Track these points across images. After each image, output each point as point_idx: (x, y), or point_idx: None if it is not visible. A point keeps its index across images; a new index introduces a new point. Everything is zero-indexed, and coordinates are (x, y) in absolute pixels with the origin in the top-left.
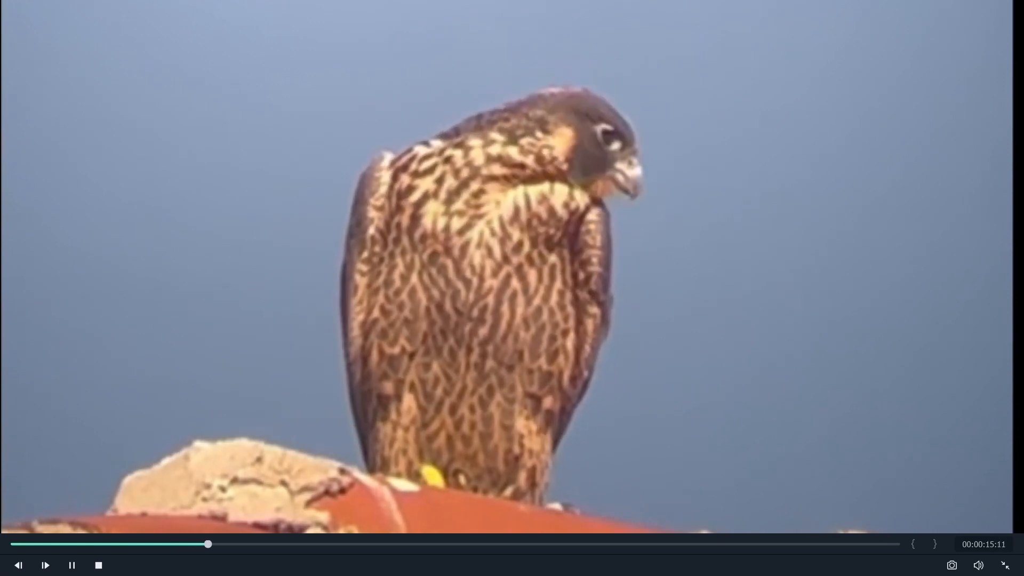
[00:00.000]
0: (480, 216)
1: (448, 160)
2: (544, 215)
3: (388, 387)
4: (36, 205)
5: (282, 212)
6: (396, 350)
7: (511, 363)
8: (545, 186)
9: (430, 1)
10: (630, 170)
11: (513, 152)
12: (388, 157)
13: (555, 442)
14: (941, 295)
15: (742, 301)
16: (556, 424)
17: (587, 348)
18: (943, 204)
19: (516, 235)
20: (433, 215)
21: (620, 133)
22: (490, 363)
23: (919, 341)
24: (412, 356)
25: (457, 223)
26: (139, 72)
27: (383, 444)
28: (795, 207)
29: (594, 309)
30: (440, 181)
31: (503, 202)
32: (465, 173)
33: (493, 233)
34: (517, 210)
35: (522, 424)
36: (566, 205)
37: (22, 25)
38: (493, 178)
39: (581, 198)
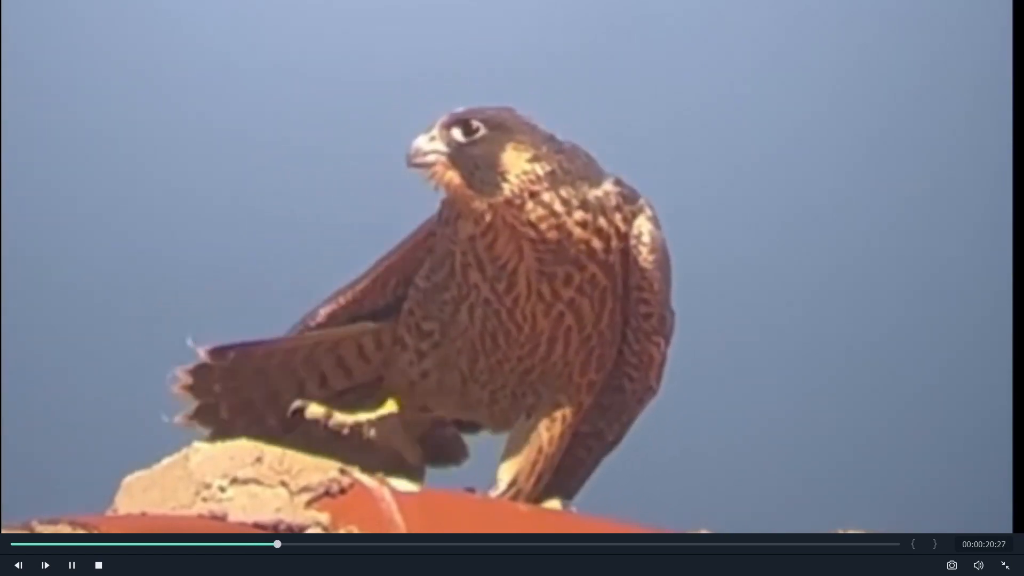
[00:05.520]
0: (513, 272)
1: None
2: (545, 231)
3: (425, 346)
4: (36, 206)
5: (283, 213)
6: (428, 327)
7: (556, 384)
8: (518, 211)
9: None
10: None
11: (467, 226)
12: None
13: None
14: (941, 297)
15: (742, 303)
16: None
17: (654, 371)
18: (942, 216)
19: (559, 271)
20: (479, 280)
21: None
22: (535, 376)
23: (919, 342)
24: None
25: (500, 286)
26: (139, 75)
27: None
28: (794, 217)
29: (658, 339)
30: (467, 258)
31: (516, 250)
32: (471, 255)
33: (538, 278)
34: (532, 252)
35: (545, 426)
36: (565, 207)
37: (21, 35)
38: (489, 245)
39: (546, 199)
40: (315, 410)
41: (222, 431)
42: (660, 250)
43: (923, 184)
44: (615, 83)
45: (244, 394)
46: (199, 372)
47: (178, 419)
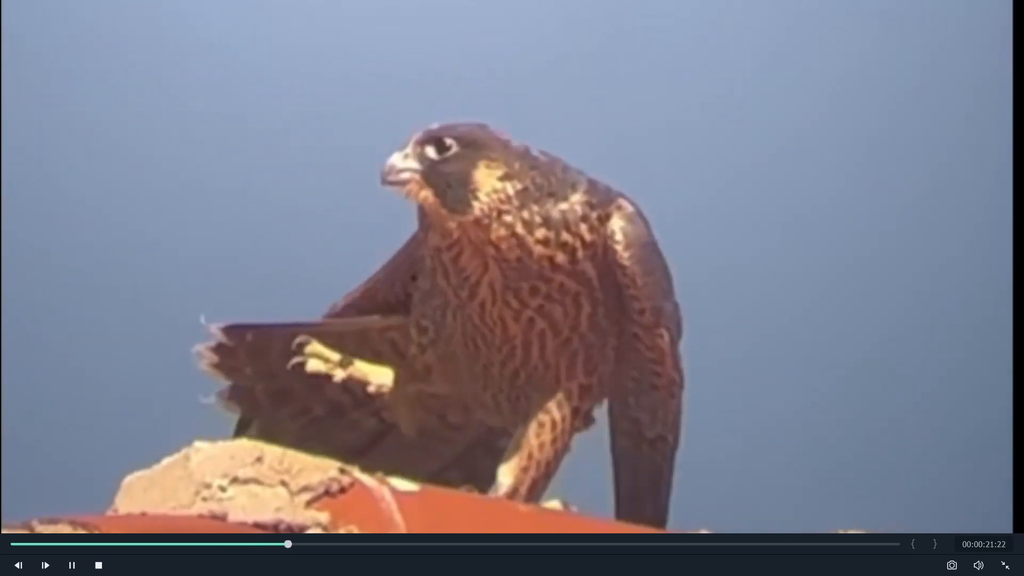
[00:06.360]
0: (476, 284)
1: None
2: (506, 251)
3: (424, 341)
4: (37, 205)
5: (282, 212)
6: (424, 324)
7: (544, 388)
8: (484, 231)
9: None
10: None
11: (434, 238)
12: None
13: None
14: (941, 298)
15: (742, 304)
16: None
17: (668, 362)
18: (942, 217)
19: (524, 285)
20: (446, 287)
21: None
22: (522, 380)
23: (920, 342)
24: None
25: (463, 293)
26: (139, 72)
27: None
28: (795, 218)
29: (660, 330)
30: (434, 263)
31: (480, 264)
32: (437, 262)
33: (503, 290)
34: (496, 267)
35: (534, 432)
36: (526, 228)
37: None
38: (454, 258)
39: (521, 214)
40: (312, 353)
41: (264, 421)
42: (637, 245)
43: (923, 185)
44: (615, 84)
45: (281, 381)
46: (223, 351)
47: (213, 399)
